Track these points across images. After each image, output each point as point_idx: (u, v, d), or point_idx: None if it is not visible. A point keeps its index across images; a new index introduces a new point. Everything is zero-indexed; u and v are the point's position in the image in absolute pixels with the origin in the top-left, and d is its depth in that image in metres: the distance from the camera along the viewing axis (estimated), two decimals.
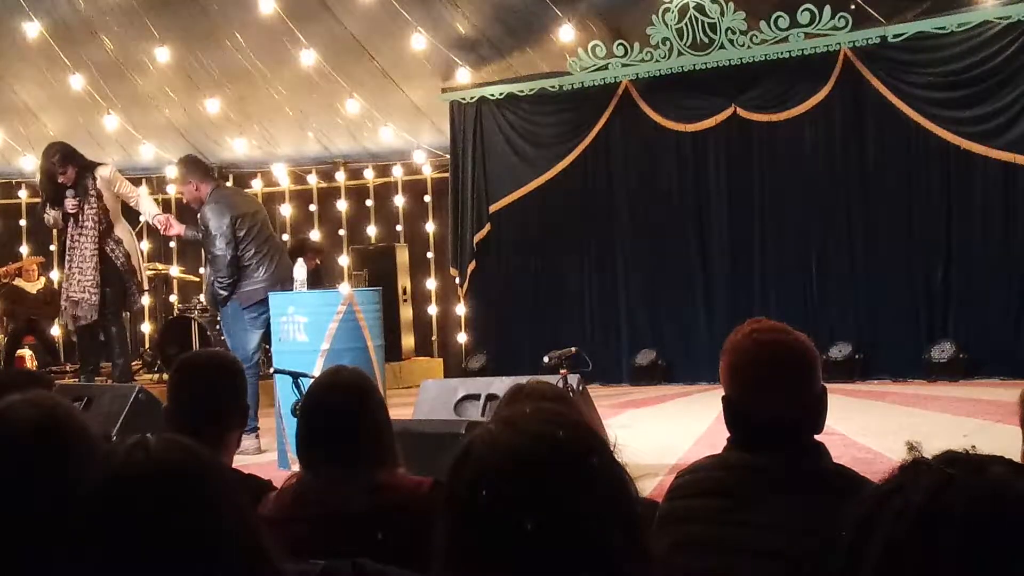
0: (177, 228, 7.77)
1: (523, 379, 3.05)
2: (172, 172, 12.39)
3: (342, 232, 12.77)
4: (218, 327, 8.33)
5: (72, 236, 8.08)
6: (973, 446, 1.07)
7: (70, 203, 8.00)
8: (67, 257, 8.16)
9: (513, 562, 1.24)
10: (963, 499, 0.99)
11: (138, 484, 1.33)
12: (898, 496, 1.03)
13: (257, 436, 6.95)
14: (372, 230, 12.68)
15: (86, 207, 8.01)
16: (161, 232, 8.06)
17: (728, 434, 2.25)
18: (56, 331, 11.25)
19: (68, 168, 7.99)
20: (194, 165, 7.46)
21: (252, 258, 7.15)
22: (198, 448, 1.42)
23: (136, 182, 9.55)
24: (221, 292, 7.13)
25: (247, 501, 1.50)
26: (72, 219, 8.06)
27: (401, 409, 6.73)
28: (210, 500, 1.35)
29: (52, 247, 11.59)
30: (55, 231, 9.19)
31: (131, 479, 1.34)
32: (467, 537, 1.28)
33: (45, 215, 8.24)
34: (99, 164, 8.31)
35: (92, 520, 1.33)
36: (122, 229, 8.25)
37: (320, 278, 10.01)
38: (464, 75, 10.87)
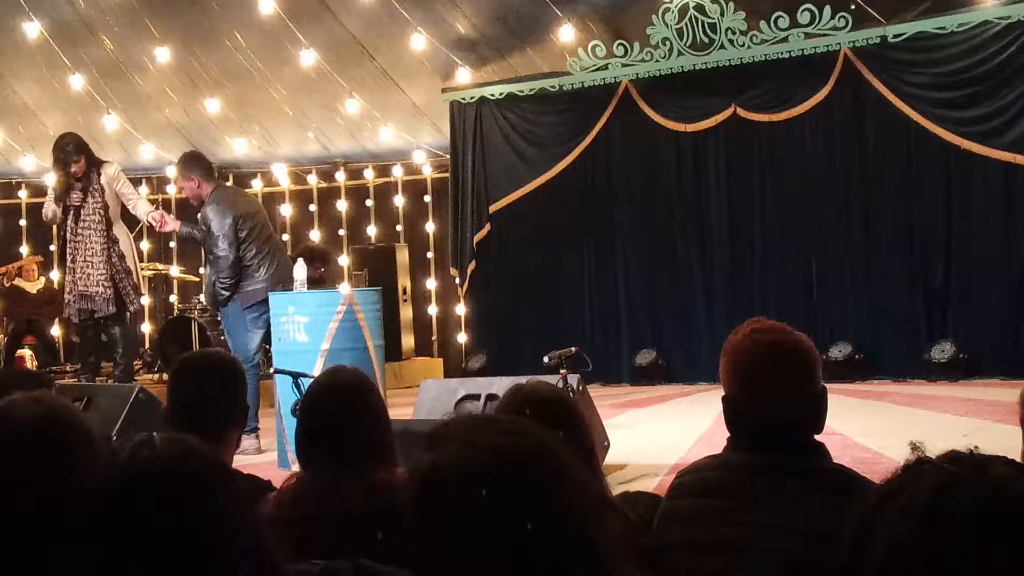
0: (172, 224, 7.78)
1: (523, 379, 3.04)
2: (172, 172, 12.40)
3: (342, 232, 12.76)
4: (219, 327, 8.33)
5: (73, 230, 8.08)
6: (976, 446, 1.07)
7: (75, 195, 8.03)
8: (68, 250, 8.14)
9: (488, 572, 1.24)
10: (966, 498, 0.99)
11: (143, 482, 1.33)
12: (901, 494, 1.03)
13: (257, 436, 6.95)
14: (372, 230, 12.67)
15: (90, 200, 8.04)
16: (156, 229, 8.06)
17: (728, 434, 2.25)
18: (56, 331, 11.25)
19: (81, 158, 8.05)
20: (198, 162, 7.46)
21: (253, 258, 7.17)
22: (203, 447, 1.42)
23: (136, 182, 9.56)
24: (223, 292, 7.13)
25: (250, 501, 1.50)
26: (73, 213, 8.07)
27: (401, 409, 6.73)
28: (214, 499, 1.35)
29: (52, 247, 11.58)
30: (54, 228, 9.19)
31: (137, 477, 1.34)
32: (434, 554, 1.28)
33: (44, 207, 8.25)
34: (105, 162, 8.38)
35: (96, 517, 1.32)
36: (119, 230, 8.26)
37: (323, 287, 9.94)
38: (464, 75, 10.86)
